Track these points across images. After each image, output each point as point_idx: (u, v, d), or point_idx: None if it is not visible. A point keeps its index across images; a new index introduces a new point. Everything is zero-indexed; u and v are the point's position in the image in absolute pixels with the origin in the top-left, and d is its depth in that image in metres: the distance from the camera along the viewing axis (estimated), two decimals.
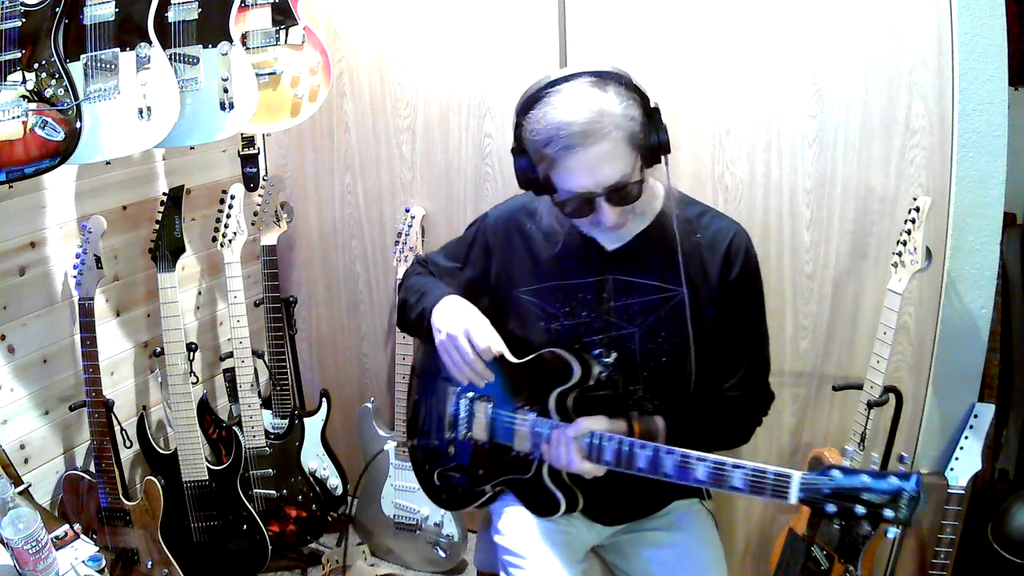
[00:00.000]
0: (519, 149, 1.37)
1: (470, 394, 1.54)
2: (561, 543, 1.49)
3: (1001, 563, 1.77)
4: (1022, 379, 1.95)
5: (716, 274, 1.44)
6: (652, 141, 1.31)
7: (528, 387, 1.46)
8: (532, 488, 1.48)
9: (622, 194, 1.31)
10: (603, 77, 1.31)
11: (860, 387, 1.66)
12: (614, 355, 1.47)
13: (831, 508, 1.11)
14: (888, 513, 1.07)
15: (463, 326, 1.42)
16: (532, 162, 1.34)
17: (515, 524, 1.53)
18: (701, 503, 1.61)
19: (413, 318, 1.55)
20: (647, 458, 1.30)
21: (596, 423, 1.38)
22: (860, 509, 1.08)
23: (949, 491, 1.70)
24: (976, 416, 1.73)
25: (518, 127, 1.36)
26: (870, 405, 1.63)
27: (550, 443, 1.40)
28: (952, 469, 1.71)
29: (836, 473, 1.10)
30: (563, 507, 1.45)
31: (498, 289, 1.56)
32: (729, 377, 1.50)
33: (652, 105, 1.33)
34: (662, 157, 1.33)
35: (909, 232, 1.56)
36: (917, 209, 1.54)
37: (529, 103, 1.33)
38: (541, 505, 1.48)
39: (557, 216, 1.43)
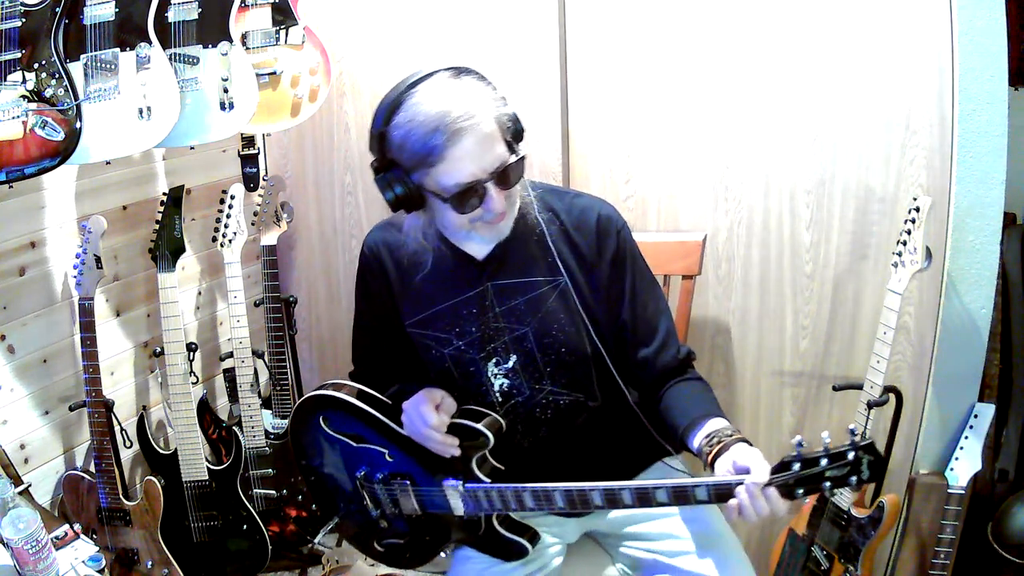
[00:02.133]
0: (383, 164, 1.32)
1: (379, 476, 1.48)
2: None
3: (1001, 563, 1.77)
4: (1022, 379, 1.95)
5: (592, 253, 1.43)
6: (512, 127, 1.32)
7: (444, 460, 1.41)
8: (490, 541, 1.46)
9: (508, 175, 1.30)
10: (458, 71, 1.31)
11: (860, 387, 1.66)
12: (513, 359, 1.46)
13: (800, 492, 1.15)
14: (853, 479, 1.12)
15: (408, 411, 1.42)
16: (403, 172, 1.31)
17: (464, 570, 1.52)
18: (667, 463, 1.54)
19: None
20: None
21: (760, 463, 1.21)
22: (827, 484, 1.14)
23: (949, 491, 1.70)
24: (976, 416, 1.73)
25: (381, 139, 1.31)
26: (870, 405, 1.63)
27: (739, 505, 1.19)
28: (952, 469, 1.71)
29: (796, 467, 1.14)
30: (530, 548, 1.45)
31: (391, 325, 1.53)
32: (649, 343, 1.47)
33: (501, 95, 1.33)
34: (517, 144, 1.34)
35: (909, 232, 1.56)
36: (917, 209, 1.54)
37: (391, 109, 1.29)
38: (506, 553, 1.46)
39: (425, 232, 1.41)
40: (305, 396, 1.54)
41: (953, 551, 1.69)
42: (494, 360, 1.46)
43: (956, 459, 1.72)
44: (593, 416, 1.51)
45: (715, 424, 1.34)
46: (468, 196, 1.30)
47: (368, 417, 1.48)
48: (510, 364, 1.46)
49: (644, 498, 1.27)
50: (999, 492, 1.91)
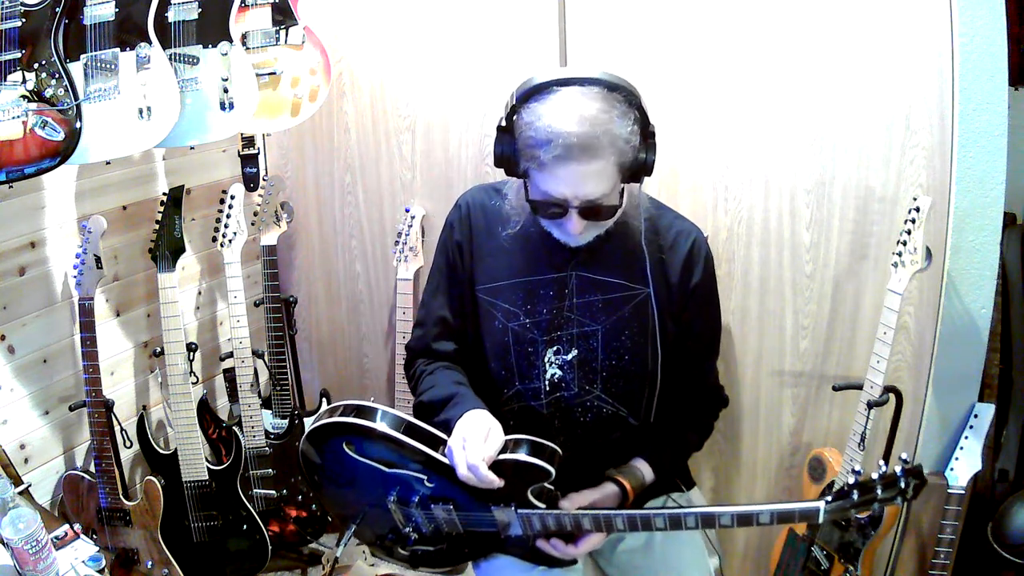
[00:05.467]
0: (506, 129, 1.33)
1: (415, 499, 1.39)
2: None
3: (1001, 563, 1.77)
4: (1022, 379, 1.95)
5: (678, 276, 1.45)
6: (639, 162, 1.31)
7: (497, 490, 1.34)
8: (537, 553, 1.43)
9: (596, 211, 1.31)
10: (615, 90, 1.28)
11: (860, 387, 1.66)
12: (574, 353, 1.46)
13: (853, 512, 1.20)
14: (899, 500, 1.19)
15: (459, 445, 1.32)
16: (516, 147, 1.31)
17: (503, 572, 1.50)
18: (674, 499, 1.60)
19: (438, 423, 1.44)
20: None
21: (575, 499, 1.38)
22: (876, 507, 1.19)
23: (949, 491, 1.70)
24: (976, 416, 1.73)
25: (513, 110, 1.32)
26: (870, 405, 1.63)
27: (558, 552, 1.38)
28: (952, 469, 1.71)
29: (855, 495, 1.18)
30: (580, 559, 1.44)
31: (461, 286, 1.53)
32: (699, 378, 1.54)
33: (650, 128, 1.32)
34: (642, 177, 1.34)
35: (909, 232, 1.56)
36: (917, 209, 1.54)
37: (533, 92, 1.29)
38: (553, 562, 1.44)
39: (523, 203, 1.42)
40: (322, 421, 1.39)
41: (953, 551, 1.69)
42: (555, 348, 1.46)
43: (956, 459, 1.72)
44: (629, 434, 1.51)
45: (632, 463, 1.47)
46: (550, 207, 1.32)
47: (403, 445, 1.37)
48: (569, 357, 1.46)
49: (709, 519, 1.29)
50: (999, 492, 1.91)
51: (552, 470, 1.32)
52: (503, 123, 1.34)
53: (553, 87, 1.27)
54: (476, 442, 1.29)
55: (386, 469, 1.39)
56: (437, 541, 1.46)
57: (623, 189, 1.33)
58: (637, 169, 1.31)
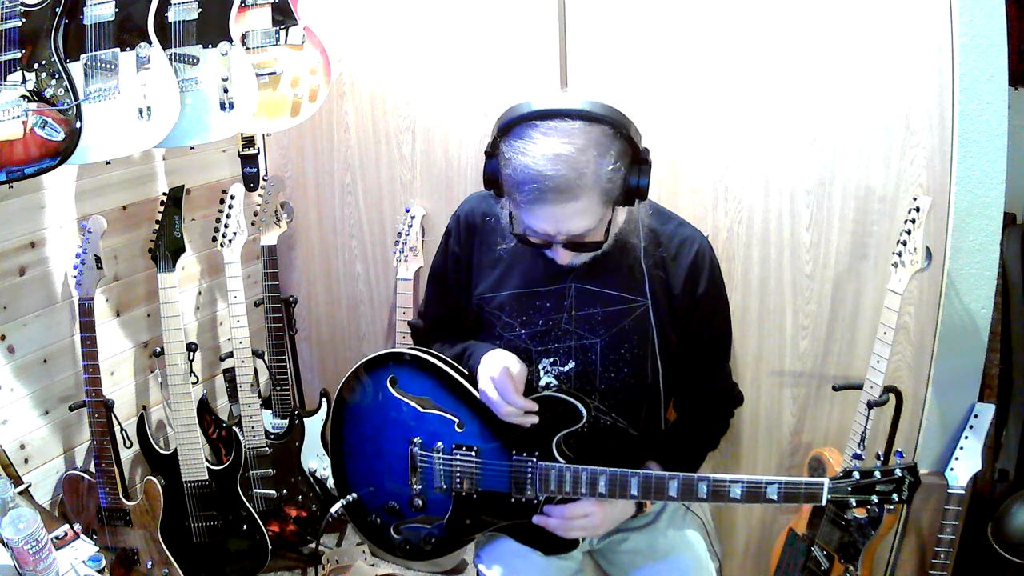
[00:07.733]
0: (492, 155, 1.33)
1: (437, 444, 1.43)
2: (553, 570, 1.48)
3: (1001, 563, 1.77)
4: (1022, 379, 1.95)
5: (681, 286, 1.44)
6: (631, 186, 1.29)
7: (526, 433, 1.38)
8: (537, 531, 1.43)
9: (581, 244, 1.31)
10: (597, 122, 1.24)
11: (860, 387, 1.67)
12: (571, 365, 1.45)
13: (852, 501, 1.27)
14: (895, 497, 1.26)
15: (488, 380, 1.38)
16: (501, 175, 1.32)
17: (504, 558, 1.50)
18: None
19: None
20: (677, 488, 1.34)
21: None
22: (875, 498, 1.25)
23: (949, 491, 1.70)
24: (976, 416, 1.73)
25: (496, 143, 1.32)
26: (870, 405, 1.63)
27: (555, 521, 1.41)
28: (952, 469, 1.71)
29: (856, 475, 1.27)
30: (581, 541, 1.45)
31: (462, 292, 1.54)
32: (710, 384, 1.54)
33: (641, 154, 1.29)
34: (635, 200, 1.32)
35: (909, 232, 1.56)
36: (917, 209, 1.54)
37: (512, 125, 1.27)
38: (554, 545, 1.44)
39: (509, 211, 1.43)
40: (380, 352, 1.47)
41: (953, 551, 1.69)
42: (551, 359, 1.46)
43: (956, 459, 1.72)
44: (627, 445, 1.51)
45: (646, 468, 1.45)
46: (534, 242, 1.33)
47: (450, 380, 1.42)
48: (566, 368, 1.45)
49: (719, 489, 1.33)
50: (999, 492, 1.91)
51: (584, 413, 1.36)
52: (488, 149, 1.33)
53: (531, 122, 1.25)
54: (515, 370, 1.37)
55: (421, 409, 1.43)
56: (440, 511, 1.47)
57: (612, 218, 1.31)
58: (629, 193, 1.29)
